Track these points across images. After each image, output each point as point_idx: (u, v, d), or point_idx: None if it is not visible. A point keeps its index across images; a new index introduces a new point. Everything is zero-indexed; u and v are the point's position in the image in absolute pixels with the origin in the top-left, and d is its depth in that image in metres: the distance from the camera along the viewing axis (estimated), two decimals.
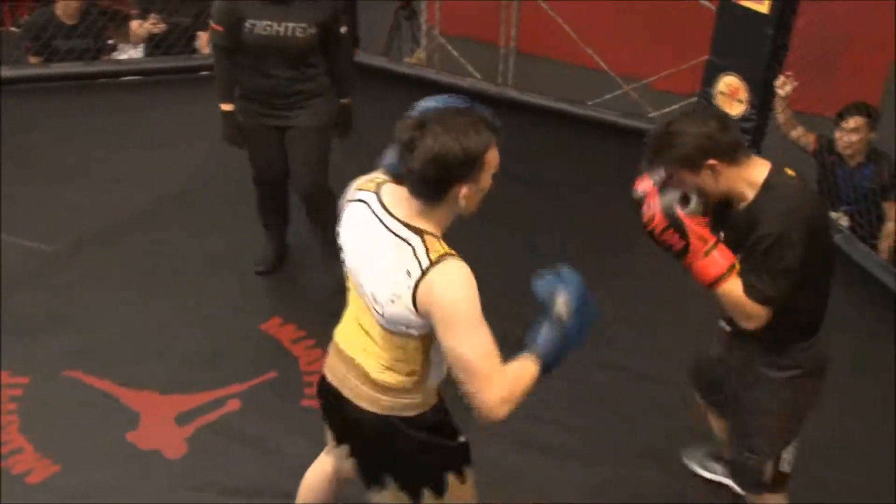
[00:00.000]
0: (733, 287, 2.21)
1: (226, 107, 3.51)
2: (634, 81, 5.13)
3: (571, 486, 2.99)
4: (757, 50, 4.28)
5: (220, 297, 3.75)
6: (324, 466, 2.46)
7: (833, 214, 4.11)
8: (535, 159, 4.61)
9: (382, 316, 1.98)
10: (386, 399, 2.09)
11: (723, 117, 2.27)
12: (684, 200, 2.24)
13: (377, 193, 2.00)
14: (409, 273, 1.89)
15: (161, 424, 3.16)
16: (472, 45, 5.61)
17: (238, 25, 3.34)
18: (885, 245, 3.94)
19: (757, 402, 2.43)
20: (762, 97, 4.35)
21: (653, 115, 4.98)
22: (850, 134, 3.99)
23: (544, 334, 1.97)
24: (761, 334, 2.27)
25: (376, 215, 1.97)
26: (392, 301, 1.93)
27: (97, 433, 3.10)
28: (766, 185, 2.21)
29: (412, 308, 1.91)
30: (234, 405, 3.25)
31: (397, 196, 1.96)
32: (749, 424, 2.48)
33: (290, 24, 3.35)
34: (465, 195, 1.89)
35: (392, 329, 1.99)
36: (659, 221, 2.23)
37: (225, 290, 3.78)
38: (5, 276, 3.73)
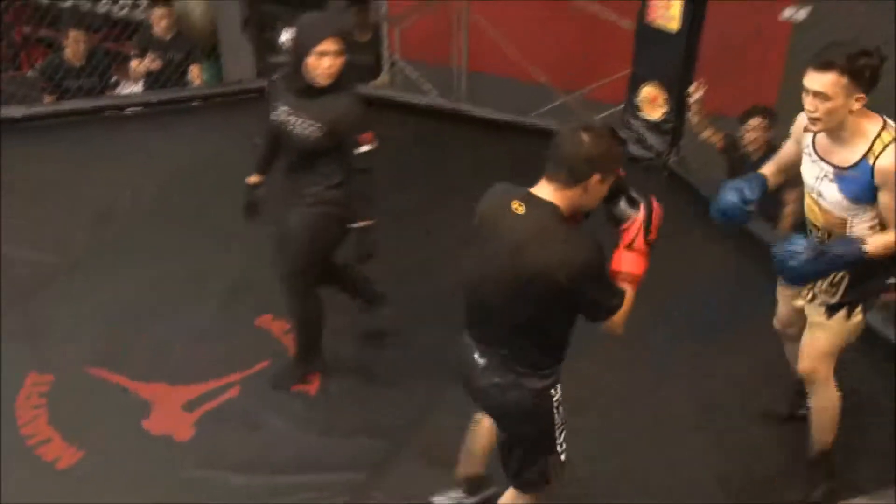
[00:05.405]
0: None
1: (251, 179, 3.37)
2: (571, 93, 5.50)
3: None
4: (670, 62, 4.77)
5: (217, 298, 3.95)
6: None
7: None
8: (484, 168, 4.80)
9: None
10: None
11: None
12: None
13: None
14: None
15: (171, 412, 3.36)
16: (428, 68, 5.91)
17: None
18: (785, 224, 4.25)
19: None
20: (678, 102, 4.81)
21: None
22: (751, 132, 4.33)
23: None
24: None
25: None
26: None
27: (115, 422, 3.32)
28: None
29: None
30: (234, 392, 3.47)
31: None
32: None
33: (302, 117, 2.99)
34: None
35: None
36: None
37: (221, 292, 3.98)
38: (21, 286, 3.95)
